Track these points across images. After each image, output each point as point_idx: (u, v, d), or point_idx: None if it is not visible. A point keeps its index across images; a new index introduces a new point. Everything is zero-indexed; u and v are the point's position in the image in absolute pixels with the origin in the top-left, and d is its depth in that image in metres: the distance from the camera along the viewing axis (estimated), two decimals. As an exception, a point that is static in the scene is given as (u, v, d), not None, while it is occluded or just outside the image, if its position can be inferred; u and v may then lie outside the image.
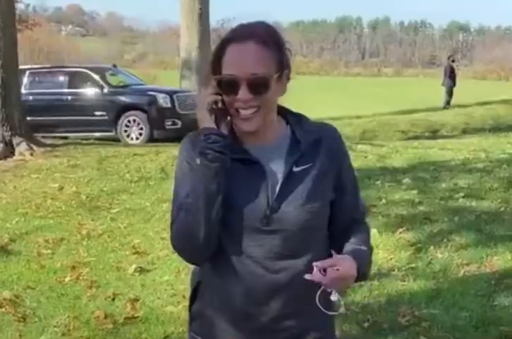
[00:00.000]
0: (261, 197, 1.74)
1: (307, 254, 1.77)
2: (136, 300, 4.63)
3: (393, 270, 4.91)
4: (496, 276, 4.73)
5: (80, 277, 5.12)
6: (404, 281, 4.69)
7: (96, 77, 15.01)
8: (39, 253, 5.79)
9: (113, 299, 4.68)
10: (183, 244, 1.76)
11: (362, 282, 4.66)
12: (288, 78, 1.81)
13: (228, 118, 1.79)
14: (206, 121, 1.74)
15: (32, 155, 10.72)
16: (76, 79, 15.09)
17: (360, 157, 9.22)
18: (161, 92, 14.77)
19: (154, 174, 8.85)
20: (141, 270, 5.25)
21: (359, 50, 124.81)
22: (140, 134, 13.98)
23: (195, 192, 1.70)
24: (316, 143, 1.81)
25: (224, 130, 1.75)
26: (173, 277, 5.05)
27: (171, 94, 14.44)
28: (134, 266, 5.30)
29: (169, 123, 14.02)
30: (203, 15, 17.74)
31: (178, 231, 1.75)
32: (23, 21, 23.94)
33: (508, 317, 4.08)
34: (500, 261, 4.99)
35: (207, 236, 1.71)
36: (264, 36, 1.72)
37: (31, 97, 14.05)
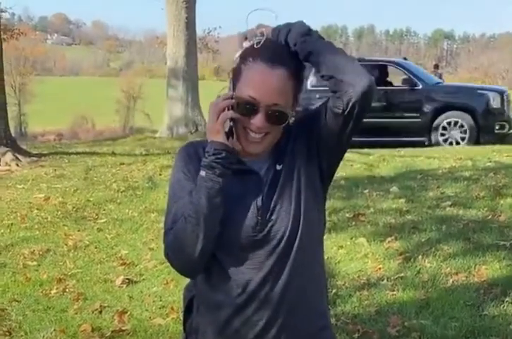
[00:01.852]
0: (253, 205, 1.73)
1: (301, 268, 1.75)
2: (124, 312, 4.57)
3: (382, 280, 4.89)
4: (484, 285, 4.72)
5: (67, 290, 5.06)
6: (393, 291, 4.67)
7: (407, 71, 13.24)
8: (24, 265, 5.72)
9: (101, 312, 4.62)
10: (177, 255, 1.74)
11: (352, 293, 4.66)
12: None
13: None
14: (219, 134, 1.69)
15: (17, 165, 10.66)
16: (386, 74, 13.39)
17: (348, 165, 9.23)
18: (491, 90, 13.29)
19: (141, 183, 8.81)
20: (129, 282, 5.20)
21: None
22: (463, 139, 12.62)
23: (197, 205, 1.67)
24: (292, 138, 1.80)
25: (230, 143, 1.73)
26: (162, 289, 5.00)
27: (501, 93, 12.95)
28: (121, 278, 5.24)
29: (498, 126, 12.68)
30: (189, 24, 17.74)
31: (174, 241, 1.72)
32: (8, 30, 23.84)
33: (498, 327, 4.06)
34: (488, 270, 4.98)
35: (204, 249, 1.69)
36: (293, 66, 1.70)
37: (317, 95, 11.36)
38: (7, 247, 6.31)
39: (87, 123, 50.62)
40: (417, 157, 10.26)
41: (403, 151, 11.22)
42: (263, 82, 1.67)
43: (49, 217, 7.34)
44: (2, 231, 6.88)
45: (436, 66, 22.81)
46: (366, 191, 7.61)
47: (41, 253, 6.07)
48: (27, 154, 11.29)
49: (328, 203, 7.07)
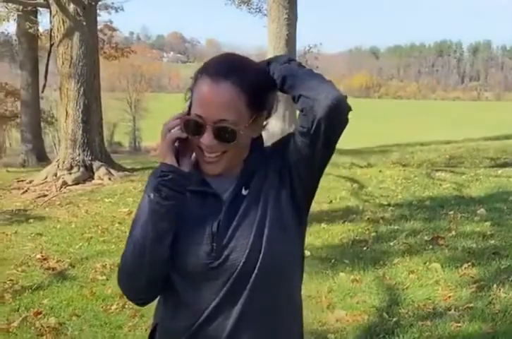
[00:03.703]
0: (207, 229, 1.60)
1: (259, 300, 1.60)
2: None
3: (450, 310, 4.57)
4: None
5: (126, 306, 5.05)
6: (459, 322, 4.34)
7: None
8: (93, 279, 5.79)
9: (153, 330, 4.57)
10: (125, 281, 1.65)
11: (414, 322, 4.38)
12: (268, 116, 1.67)
13: (193, 154, 1.66)
14: (167, 156, 1.60)
15: (110, 179, 10.93)
16: None
17: (437, 185, 8.84)
18: None
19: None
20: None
21: (458, 74, 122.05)
22: None
23: (144, 229, 1.58)
24: (262, 162, 1.65)
25: (186, 166, 1.62)
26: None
27: None
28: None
29: None
30: (289, 41, 17.77)
31: (122, 268, 1.64)
32: (119, 49, 24.78)
33: None
34: None
35: (152, 275, 1.60)
36: (241, 77, 1.56)
37: None
38: (82, 260, 6.43)
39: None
40: (515, 177, 9.70)
41: (500, 170, 10.64)
42: (207, 98, 1.55)
43: (127, 232, 7.38)
44: (81, 244, 7.03)
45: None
46: (451, 213, 7.24)
47: (112, 267, 6.12)
48: (120, 168, 11.57)
49: (408, 224, 6.81)
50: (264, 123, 1.68)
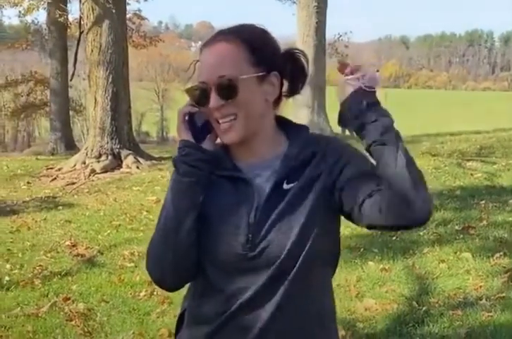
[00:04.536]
0: (244, 219, 1.54)
1: (297, 296, 1.55)
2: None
3: (481, 300, 4.50)
4: None
5: (155, 293, 5.06)
6: (490, 312, 4.27)
7: None
8: (121, 266, 5.82)
9: (182, 317, 4.57)
10: (151, 265, 1.61)
11: (444, 311, 4.32)
12: (282, 82, 1.59)
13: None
14: (181, 132, 1.58)
15: (138, 167, 10.96)
16: None
17: (468, 174, 8.72)
18: None
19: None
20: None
21: (489, 64, 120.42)
22: None
23: (166, 209, 1.56)
24: (311, 157, 1.57)
25: (208, 145, 1.58)
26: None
27: None
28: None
29: None
30: (319, 29, 17.66)
31: (148, 250, 1.61)
32: (148, 37, 24.82)
33: None
34: None
35: (177, 260, 1.55)
36: (234, 34, 1.53)
37: None
38: (110, 247, 6.46)
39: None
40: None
41: (533, 160, 10.46)
42: (205, 62, 1.53)
43: (155, 220, 7.37)
44: (109, 231, 7.07)
45: None
46: (482, 202, 7.14)
47: (140, 254, 6.14)
48: (148, 157, 11.60)
49: (438, 214, 6.72)
50: (283, 90, 1.61)
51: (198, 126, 1.59)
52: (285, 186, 1.55)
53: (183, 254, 1.55)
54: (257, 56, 1.53)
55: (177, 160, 1.55)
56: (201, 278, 1.61)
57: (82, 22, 12.38)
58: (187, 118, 1.58)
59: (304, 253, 1.52)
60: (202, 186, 1.55)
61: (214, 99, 1.51)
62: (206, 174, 1.55)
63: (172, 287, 1.66)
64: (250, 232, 1.53)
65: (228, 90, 1.50)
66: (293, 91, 1.64)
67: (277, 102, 1.62)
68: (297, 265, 1.52)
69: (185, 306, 1.73)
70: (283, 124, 1.65)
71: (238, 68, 1.50)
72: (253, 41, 1.53)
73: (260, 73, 1.53)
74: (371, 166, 1.52)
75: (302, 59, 1.63)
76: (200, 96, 1.54)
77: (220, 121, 1.54)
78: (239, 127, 1.53)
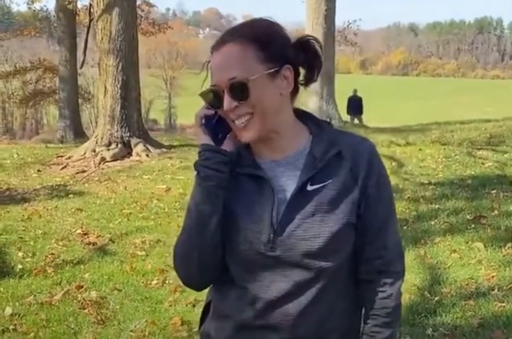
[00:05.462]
0: (266, 218, 1.54)
1: (323, 296, 1.56)
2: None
3: (493, 290, 4.49)
4: None
5: (167, 281, 5.08)
6: (503, 302, 4.27)
7: None
8: (133, 255, 5.84)
9: (194, 306, 4.58)
10: (179, 266, 1.62)
11: (456, 301, 4.32)
12: (298, 73, 1.58)
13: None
14: (200, 136, 1.58)
15: (148, 155, 10.97)
16: None
17: (478, 163, 8.69)
18: None
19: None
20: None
21: (498, 52, 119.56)
22: None
23: (190, 212, 1.57)
24: (337, 158, 1.56)
25: (227, 146, 1.58)
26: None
27: None
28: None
29: None
30: (328, 16, 17.55)
31: (174, 250, 1.62)
32: (156, 24, 24.76)
33: None
34: None
35: (202, 260, 1.56)
36: (240, 34, 1.52)
37: None
38: (121, 236, 6.48)
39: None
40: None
41: (544, 149, 10.41)
42: (215, 66, 1.53)
43: (166, 208, 7.47)
44: (120, 220, 7.09)
45: None
46: (493, 192, 7.11)
47: (151, 243, 6.17)
48: (158, 145, 11.60)
49: (449, 203, 6.71)
50: (300, 80, 1.60)
51: (216, 127, 1.59)
52: (309, 188, 1.54)
53: (208, 254, 1.56)
54: (266, 52, 1.51)
55: (198, 165, 1.56)
56: (224, 273, 1.62)
57: (92, 10, 12.35)
58: (203, 121, 1.59)
59: (325, 254, 1.52)
60: (224, 189, 1.55)
61: (227, 102, 1.51)
62: (227, 177, 1.55)
63: (199, 286, 1.67)
64: (272, 232, 1.53)
65: (239, 92, 1.49)
66: (310, 79, 1.62)
67: (294, 93, 1.60)
68: (319, 265, 1.53)
69: (209, 297, 1.74)
70: (304, 117, 1.64)
71: (247, 68, 1.49)
72: (260, 37, 1.51)
73: (271, 70, 1.51)
74: (389, 190, 1.64)
75: (316, 45, 1.60)
76: (214, 99, 1.54)
77: (236, 122, 1.54)
78: (256, 125, 1.53)
